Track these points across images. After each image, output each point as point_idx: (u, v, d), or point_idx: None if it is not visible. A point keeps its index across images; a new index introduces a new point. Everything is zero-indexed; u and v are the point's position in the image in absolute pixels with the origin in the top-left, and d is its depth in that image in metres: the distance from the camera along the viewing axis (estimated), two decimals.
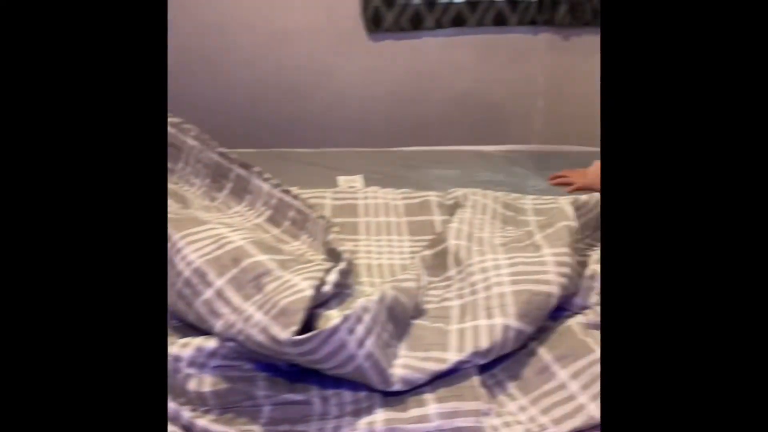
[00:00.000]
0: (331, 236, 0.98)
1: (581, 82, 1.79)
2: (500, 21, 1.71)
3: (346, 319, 0.73)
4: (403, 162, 1.55)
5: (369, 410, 0.75)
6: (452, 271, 0.98)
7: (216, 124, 1.48)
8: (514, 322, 0.80)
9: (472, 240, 1.03)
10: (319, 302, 0.82)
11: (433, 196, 1.28)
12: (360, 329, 0.74)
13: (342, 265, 0.86)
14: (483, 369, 0.82)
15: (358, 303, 0.76)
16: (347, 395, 0.77)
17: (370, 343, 0.74)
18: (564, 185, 1.36)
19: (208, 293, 0.81)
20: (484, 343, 0.78)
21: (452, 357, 0.77)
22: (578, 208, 1.02)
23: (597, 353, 0.80)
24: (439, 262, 1.02)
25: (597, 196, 1.09)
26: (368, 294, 0.83)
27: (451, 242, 1.02)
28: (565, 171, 1.41)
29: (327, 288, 0.82)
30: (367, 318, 0.75)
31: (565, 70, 1.80)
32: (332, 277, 0.84)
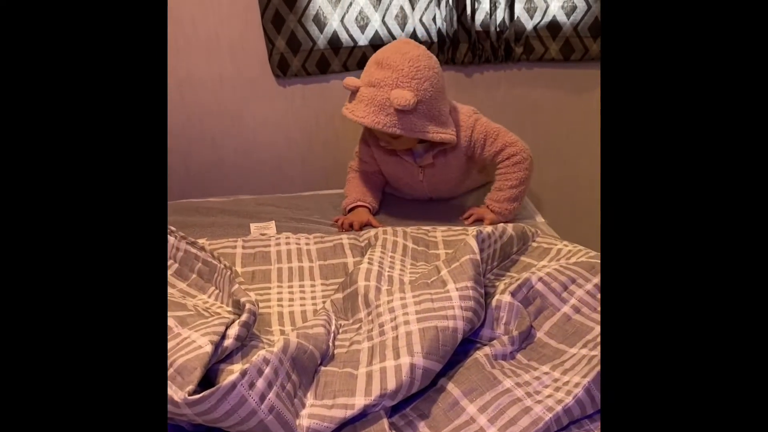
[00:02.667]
0: (235, 287, 0.95)
1: (487, 115, 1.84)
2: None
3: (244, 373, 0.70)
4: (318, 206, 1.55)
5: None
6: (362, 313, 0.97)
7: None
8: (420, 361, 0.79)
9: (381, 280, 1.03)
10: (221, 357, 0.79)
11: (345, 239, 1.28)
12: (260, 382, 0.71)
13: (244, 317, 0.83)
14: (394, 410, 0.81)
15: (259, 355, 0.74)
16: None
17: (272, 396, 0.72)
18: (479, 221, 1.40)
19: None
20: (391, 385, 0.77)
21: (359, 402, 0.75)
22: (483, 240, 1.04)
23: (504, 384, 0.80)
24: (349, 305, 1.01)
25: (501, 227, 1.11)
26: (272, 344, 0.81)
27: (361, 284, 1.01)
28: (471, 209, 1.43)
29: (229, 342, 0.80)
30: (268, 370, 0.73)
31: (469, 104, 1.86)
32: (234, 330, 0.81)
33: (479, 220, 1.39)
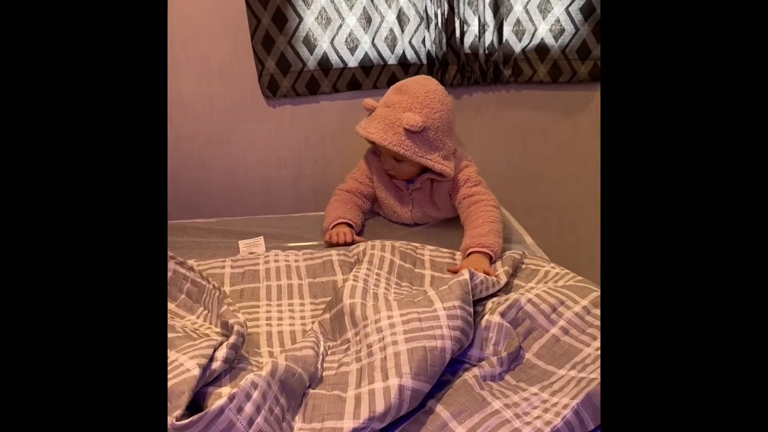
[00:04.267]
0: (224, 308, 0.96)
1: (475, 137, 1.87)
2: (394, 83, 1.78)
3: (232, 397, 0.71)
4: (308, 227, 1.56)
5: None
6: (350, 333, 0.97)
7: None
8: (409, 382, 0.80)
9: (367, 296, 1.04)
10: (209, 380, 0.80)
11: (335, 255, 1.29)
12: (249, 407, 0.72)
13: (232, 339, 0.84)
14: None
15: (247, 379, 0.74)
16: None
17: (260, 420, 0.72)
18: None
19: None
20: (379, 407, 0.77)
21: (348, 425, 0.76)
22: (474, 286, 1.02)
23: (493, 406, 0.81)
24: (336, 325, 1.02)
25: (495, 279, 1.10)
26: (261, 366, 0.81)
27: (347, 301, 1.02)
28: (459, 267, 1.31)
29: (217, 364, 0.80)
30: (256, 394, 0.74)
31: (458, 127, 1.88)
32: (222, 352, 0.81)
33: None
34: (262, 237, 1.46)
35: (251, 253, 1.36)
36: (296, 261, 1.28)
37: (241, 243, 1.43)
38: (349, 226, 1.46)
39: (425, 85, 1.41)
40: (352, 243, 1.38)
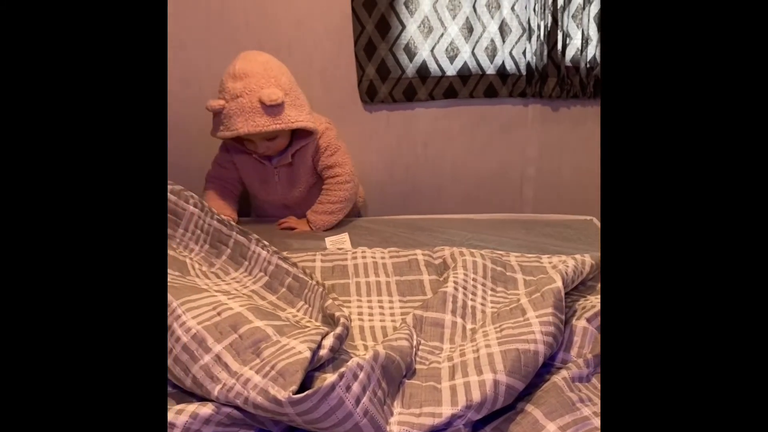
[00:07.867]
0: (329, 302, 1.06)
1: (571, 151, 1.92)
2: (491, 93, 1.87)
3: (342, 376, 0.81)
4: (393, 230, 1.66)
5: None
6: (445, 346, 1.07)
7: None
8: (503, 378, 0.88)
9: (466, 315, 1.14)
10: (316, 366, 0.90)
11: (420, 255, 1.39)
12: (356, 386, 0.82)
13: (338, 330, 0.94)
14: (473, 430, 0.89)
15: (353, 361, 0.84)
16: None
17: (366, 400, 0.82)
18: (288, 229, 1.68)
19: (207, 358, 0.89)
20: (476, 397, 0.86)
21: (447, 411, 0.85)
22: (566, 286, 1.11)
23: (583, 412, 0.88)
24: (430, 331, 1.11)
25: (580, 260, 1.19)
26: (362, 354, 0.91)
27: (447, 318, 1.12)
28: (287, 219, 1.70)
29: (324, 352, 0.90)
30: (362, 375, 0.84)
31: (554, 140, 1.94)
32: (329, 341, 0.92)
33: (291, 228, 1.67)
34: (346, 233, 1.58)
35: (339, 249, 1.47)
36: (382, 258, 1.39)
37: (328, 240, 1.56)
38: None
39: (254, 59, 1.50)
40: None
